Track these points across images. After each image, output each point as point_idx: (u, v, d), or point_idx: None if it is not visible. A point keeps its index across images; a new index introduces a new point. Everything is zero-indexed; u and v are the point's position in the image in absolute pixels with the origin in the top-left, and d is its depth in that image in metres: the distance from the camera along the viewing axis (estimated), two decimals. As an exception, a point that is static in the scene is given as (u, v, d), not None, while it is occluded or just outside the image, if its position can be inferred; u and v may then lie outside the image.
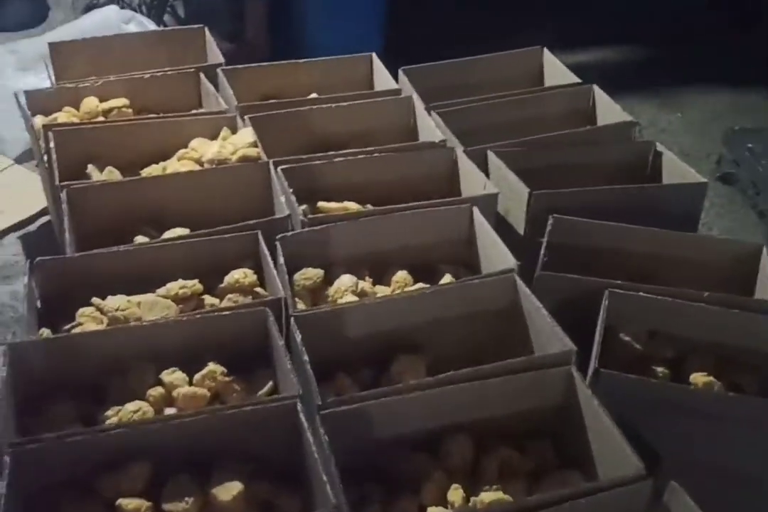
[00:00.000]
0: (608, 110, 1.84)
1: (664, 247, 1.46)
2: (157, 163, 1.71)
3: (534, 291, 1.32)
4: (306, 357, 1.15)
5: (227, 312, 1.23)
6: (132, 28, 2.37)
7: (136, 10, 2.64)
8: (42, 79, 2.17)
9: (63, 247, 1.41)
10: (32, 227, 1.93)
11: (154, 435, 1.05)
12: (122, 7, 2.68)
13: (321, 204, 1.58)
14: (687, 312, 1.30)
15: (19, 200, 1.99)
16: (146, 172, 1.68)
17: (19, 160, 2.13)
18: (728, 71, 2.75)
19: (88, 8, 2.87)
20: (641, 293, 1.30)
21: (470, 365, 1.30)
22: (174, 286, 1.32)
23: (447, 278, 1.45)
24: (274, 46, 2.47)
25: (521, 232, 1.57)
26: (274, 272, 1.34)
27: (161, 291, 1.33)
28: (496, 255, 1.43)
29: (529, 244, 1.54)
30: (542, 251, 1.40)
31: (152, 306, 1.29)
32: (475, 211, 1.49)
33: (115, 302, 1.29)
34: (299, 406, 1.07)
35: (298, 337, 1.19)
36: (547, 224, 1.47)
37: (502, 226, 1.58)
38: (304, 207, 1.56)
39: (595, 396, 1.10)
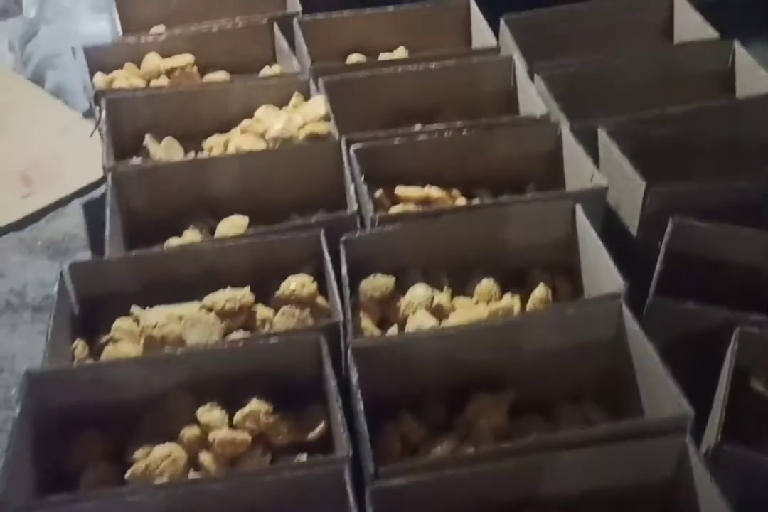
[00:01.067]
0: (750, 74, 1.52)
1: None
2: (221, 131, 1.52)
3: (645, 320, 1.09)
4: (361, 407, 0.97)
5: (275, 341, 1.06)
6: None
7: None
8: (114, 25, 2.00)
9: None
10: (96, 193, 1.79)
11: (176, 500, 0.90)
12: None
13: (399, 189, 1.37)
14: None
15: (84, 162, 1.84)
16: (208, 143, 1.50)
17: (87, 114, 1.98)
18: None
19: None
20: (780, 333, 1.06)
21: (558, 406, 1.12)
22: (221, 298, 1.16)
23: (541, 289, 1.23)
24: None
25: (633, 232, 1.31)
26: (335, 280, 1.16)
27: (207, 301, 1.17)
28: (600, 266, 1.19)
29: (641, 248, 1.30)
30: (658, 266, 1.16)
31: (195, 323, 1.13)
32: (578, 209, 1.25)
33: (154, 317, 1.14)
34: (347, 474, 0.90)
35: (354, 377, 1.01)
36: (664, 224, 1.22)
37: (611, 222, 1.33)
38: (379, 192, 1.36)
39: (714, 483, 0.88)
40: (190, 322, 1.13)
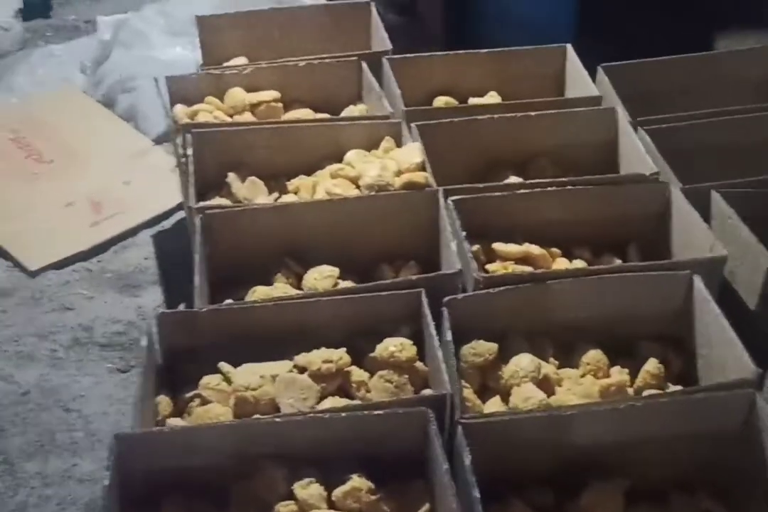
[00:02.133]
0: None
1: None
2: (306, 173, 1.46)
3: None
4: (477, 495, 0.89)
5: (379, 412, 0.98)
6: (292, -12, 2.10)
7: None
8: (190, 51, 1.96)
9: (192, 287, 1.19)
10: (167, 224, 1.73)
11: None
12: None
13: (498, 245, 1.30)
14: None
15: (155, 190, 1.78)
16: (293, 184, 1.43)
17: (159, 140, 1.93)
18: None
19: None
20: None
21: (674, 496, 1.03)
22: (316, 359, 1.08)
23: (653, 363, 1.15)
24: (448, 22, 2.15)
25: (751, 306, 1.23)
26: (437, 344, 1.09)
27: (301, 360, 1.10)
28: (722, 345, 1.11)
29: (761, 323, 1.21)
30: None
31: (288, 385, 1.06)
32: (697, 281, 1.17)
33: (245, 376, 1.06)
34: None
35: (467, 460, 0.93)
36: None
37: (724, 293, 1.25)
38: (476, 248, 1.29)
39: None
40: (284, 384, 1.06)
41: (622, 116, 1.47)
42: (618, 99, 1.52)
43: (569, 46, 1.66)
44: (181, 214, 1.73)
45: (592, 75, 1.59)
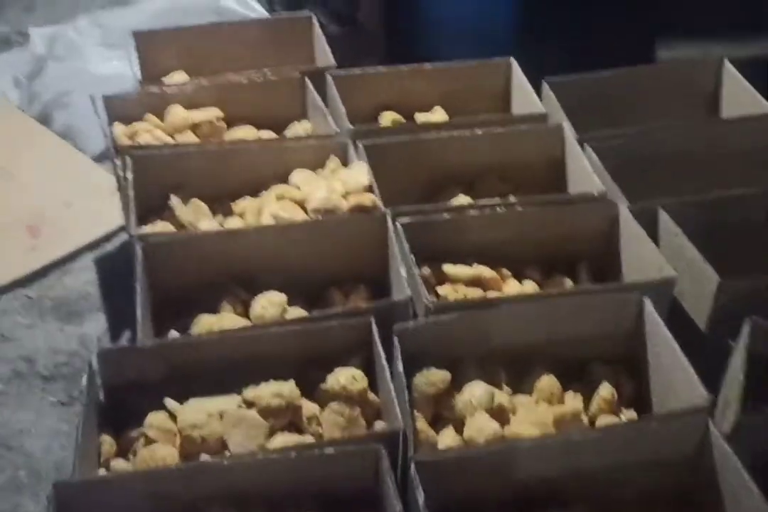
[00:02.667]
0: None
1: None
2: (251, 193, 1.43)
3: (732, 437, 1.01)
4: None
5: (330, 451, 0.96)
6: (230, 3, 2.05)
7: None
8: (127, 64, 1.90)
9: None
10: (110, 246, 1.67)
11: None
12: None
13: (448, 268, 1.29)
14: None
15: (97, 211, 1.72)
16: (239, 207, 1.40)
17: (99, 158, 1.87)
18: None
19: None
20: None
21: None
22: (265, 394, 1.05)
23: (606, 388, 1.15)
24: (390, 30, 2.13)
25: (701, 326, 1.23)
26: (389, 376, 1.07)
27: (250, 394, 1.07)
28: (674, 370, 1.11)
29: (710, 344, 1.22)
30: (741, 376, 1.06)
31: (236, 423, 1.03)
32: (647, 303, 1.16)
33: (191, 414, 1.03)
34: None
35: (421, 499, 0.91)
36: (736, 320, 1.15)
37: (674, 312, 1.25)
38: (426, 270, 1.27)
39: None
40: (233, 422, 1.03)
41: (569, 133, 1.47)
42: (563, 114, 1.51)
43: (513, 60, 1.65)
44: (124, 236, 1.67)
45: (537, 82, 1.58)
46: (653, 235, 1.31)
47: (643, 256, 1.27)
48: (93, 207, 1.72)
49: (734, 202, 1.33)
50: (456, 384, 1.13)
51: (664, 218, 1.31)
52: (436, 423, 1.12)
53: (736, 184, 1.36)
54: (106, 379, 1.07)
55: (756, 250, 1.31)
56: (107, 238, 1.68)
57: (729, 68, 1.65)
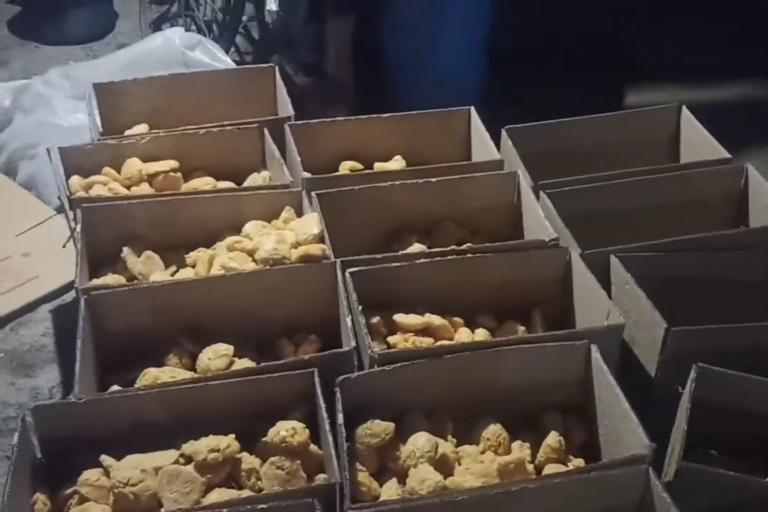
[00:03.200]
0: (763, 200, 1.46)
1: None
2: (207, 245, 1.42)
3: (673, 485, 0.99)
4: None
5: (263, 506, 0.93)
6: (197, 55, 2.08)
7: (207, 29, 2.35)
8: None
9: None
10: (68, 297, 1.66)
11: None
12: (194, 23, 2.40)
13: (398, 317, 1.28)
14: None
15: (56, 262, 1.72)
16: (191, 258, 1.39)
17: (61, 209, 1.87)
18: None
19: (157, 21, 2.61)
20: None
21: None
22: (203, 448, 1.03)
23: (553, 437, 1.13)
24: (358, 80, 2.15)
25: (651, 371, 1.22)
26: (329, 428, 1.05)
27: (186, 449, 1.05)
28: (619, 416, 1.09)
29: (660, 389, 1.20)
30: (684, 425, 1.05)
31: (171, 479, 1.01)
32: (594, 350, 1.15)
33: (126, 470, 1.01)
34: None
35: (355, 556, 0.89)
36: (684, 366, 1.13)
37: (625, 356, 1.24)
38: (376, 320, 1.26)
39: None
40: (167, 478, 1.00)
41: (524, 180, 1.47)
42: (520, 162, 1.52)
43: (473, 109, 1.66)
44: (83, 287, 1.66)
45: (499, 135, 1.59)
46: (606, 281, 1.31)
47: (593, 302, 1.26)
48: (52, 257, 1.71)
49: (687, 251, 1.33)
50: (402, 435, 1.11)
51: (615, 265, 1.31)
52: (382, 476, 1.10)
53: (690, 231, 1.36)
54: (43, 435, 1.05)
55: (707, 298, 1.30)
56: (65, 289, 1.67)
57: (686, 115, 1.67)
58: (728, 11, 2.46)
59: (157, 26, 2.53)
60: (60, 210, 1.87)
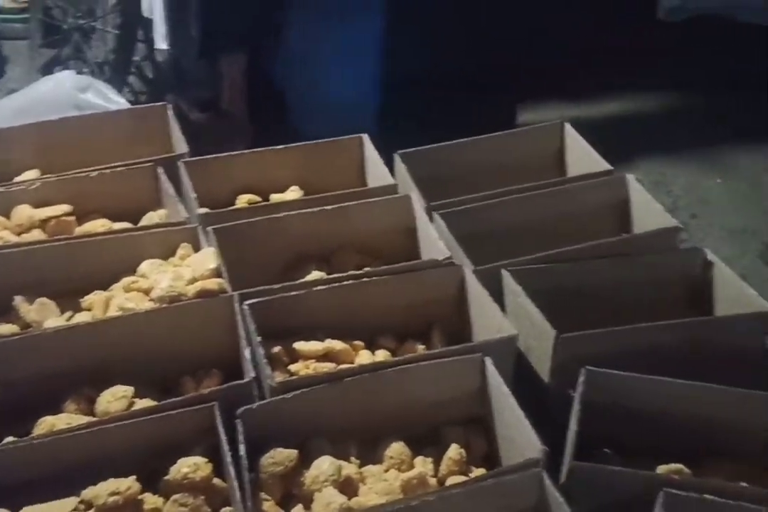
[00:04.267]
0: (645, 207, 1.53)
1: (727, 409, 1.16)
2: (104, 287, 1.41)
3: (565, 485, 1.02)
4: None
5: (164, 546, 0.93)
6: (90, 97, 2.08)
7: (99, 71, 2.35)
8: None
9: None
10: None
11: None
12: (85, 65, 2.40)
13: (298, 345, 1.29)
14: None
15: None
16: (87, 301, 1.38)
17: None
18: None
19: (48, 64, 2.59)
20: (707, 496, 1.00)
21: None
22: (101, 492, 1.03)
23: (454, 450, 1.16)
24: (254, 114, 2.18)
25: (545, 378, 1.26)
26: (229, 460, 1.05)
27: (86, 495, 1.04)
28: (515, 424, 1.12)
29: (553, 395, 1.24)
30: (573, 425, 1.09)
31: (72, 526, 0.99)
32: (488, 363, 1.19)
33: (24, 521, 0.99)
34: None
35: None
36: (575, 371, 1.18)
37: (521, 367, 1.28)
38: (277, 349, 1.28)
39: None
40: (67, 525, 0.99)
41: (417, 203, 1.51)
42: (413, 185, 1.56)
43: (365, 136, 1.70)
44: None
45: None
46: (499, 295, 1.35)
47: (488, 316, 1.30)
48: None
49: (574, 261, 1.38)
50: (306, 461, 1.12)
51: (507, 279, 1.35)
52: (288, 503, 1.10)
53: (579, 242, 1.42)
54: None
55: (596, 304, 1.35)
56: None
57: (570, 131, 1.73)
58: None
59: (47, 70, 2.51)
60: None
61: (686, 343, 1.26)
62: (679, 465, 1.12)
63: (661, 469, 1.11)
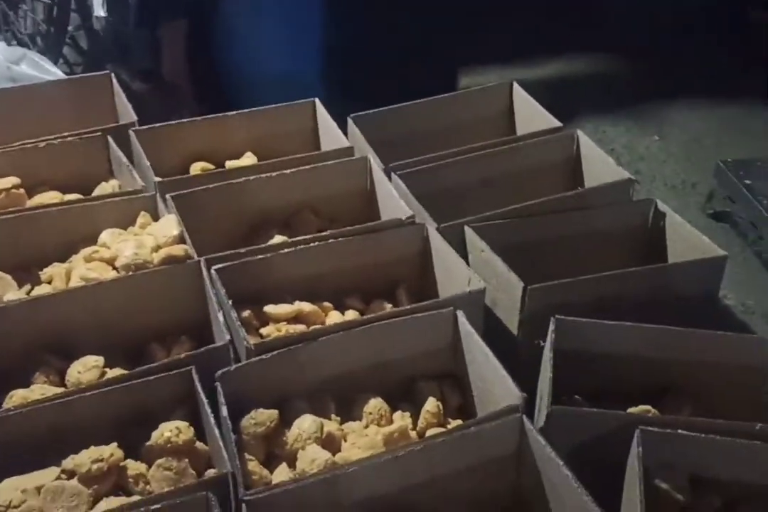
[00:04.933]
0: (597, 162, 1.57)
1: (686, 350, 1.20)
2: (62, 259, 1.39)
3: (545, 429, 1.06)
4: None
5: (157, 507, 0.93)
6: (24, 69, 2.01)
7: (31, 42, 2.27)
8: None
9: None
10: None
11: None
12: (16, 39, 2.32)
13: (268, 308, 1.29)
14: (736, 451, 1.04)
15: None
16: (46, 274, 1.35)
17: None
18: (716, 86, 2.48)
19: (-21, 39, 2.49)
20: (680, 431, 1.04)
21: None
22: (85, 460, 1.01)
23: (431, 403, 1.18)
24: (197, 84, 2.14)
25: (513, 330, 1.29)
26: (213, 422, 1.05)
27: (68, 464, 1.02)
28: (490, 374, 1.15)
29: (523, 346, 1.27)
30: (549, 372, 1.12)
31: (55, 495, 0.98)
32: (461, 316, 1.21)
33: (6, 494, 0.98)
34: None
35: (254, 541, 0.90)
36: (543, 321, 1.21)
37: (489, 320, 1.30)
38: (247, 313, 1.27)
39: None
40: (51, 495, 0.98)
41: (375, 164, 1.52)
42: (369, 147, 1.56)
43: (317, 101, 1.69)
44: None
45: (345, 127, 1.63)
46: (463, 252, 1.37)
47: (454, 272, 1.31)
48: None
49: (533, 216, 1.41)
50: (286, 421, 1.13)
51: (470, 235, 1.37)
52: (272, 463, 1.11)
53: (533, 197, 1.44)
54: None
55: (558, 257, 1.39)
56: None
57: (518, 90, 1.76)
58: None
59: (-24, 44, 2.41)
60: None
61: (645, 290, 1.30)
62: (647, 406, 1.16)
63: (632, 411, 1.15)
